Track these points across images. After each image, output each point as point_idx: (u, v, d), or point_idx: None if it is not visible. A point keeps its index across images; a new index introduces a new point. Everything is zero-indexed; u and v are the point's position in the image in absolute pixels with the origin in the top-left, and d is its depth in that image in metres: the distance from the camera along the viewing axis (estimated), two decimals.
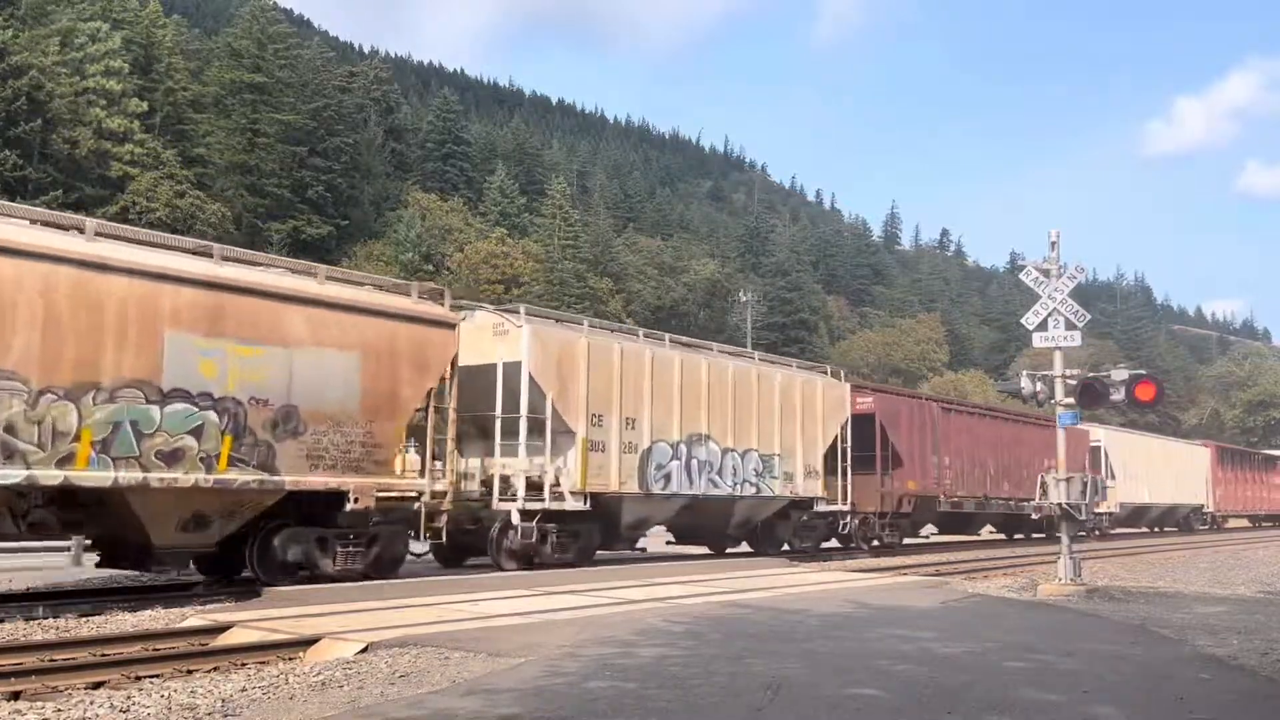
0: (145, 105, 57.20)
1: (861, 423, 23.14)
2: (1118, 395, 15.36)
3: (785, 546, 21.47)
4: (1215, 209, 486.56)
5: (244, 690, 6.72)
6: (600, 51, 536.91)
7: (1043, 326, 15.39)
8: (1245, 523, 52.59)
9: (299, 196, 68.49)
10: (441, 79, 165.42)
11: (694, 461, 18.23)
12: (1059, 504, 15.23)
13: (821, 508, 21.60)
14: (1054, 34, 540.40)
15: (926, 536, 28.23)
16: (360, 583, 12.89)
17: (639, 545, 19.62)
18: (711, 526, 20.19)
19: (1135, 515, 38.93)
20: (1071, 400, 15.33)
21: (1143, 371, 16.27)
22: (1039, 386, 15.62)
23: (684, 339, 21.07)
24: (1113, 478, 34.40)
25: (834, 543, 23.67)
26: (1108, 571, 20.32)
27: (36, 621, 10.08)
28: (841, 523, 22.42)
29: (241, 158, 66.50)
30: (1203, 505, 44.48)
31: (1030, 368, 17.72)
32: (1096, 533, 33.22)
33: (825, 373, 23.17)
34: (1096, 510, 31.57)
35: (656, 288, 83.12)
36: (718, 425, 18.87)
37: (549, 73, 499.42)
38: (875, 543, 23.81)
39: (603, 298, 75.55)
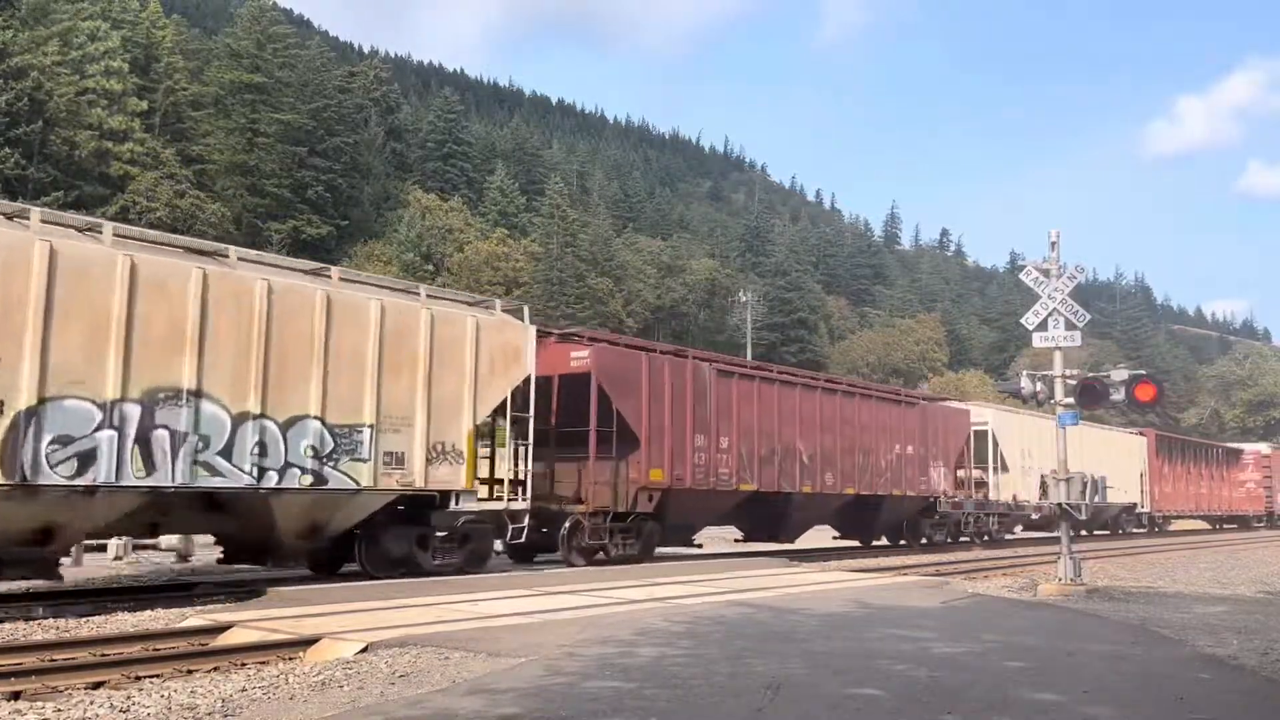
0: (145, 105, 57.24)
1: (578, 387, 17.08)
2: (1118, 395, 15.37)
3: (416, 565, 14.30)
4: (1216, 209, 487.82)
5: (244, 690, 6.72)
6: (600, 51, 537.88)
7: (1043, 326, 15.41)
8: (1203, 525, 47.03)
9: (299, 196, 68.56)
10: (441, 79, 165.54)
11: (159, 433, 11.34)
12: (1058, 504, 15.24)
13: (470, 506, 14.60)
14: (1054, 34, 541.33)
15: (699, 545, 20.79)
16: (360, 583, 12.90)
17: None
18: (249, 534, 13.25)
19: (1047, 515, 31.01)
20: (1071, 400, 15.34)
21: (1143, 372, 16.29)
22: (1039, 386, 15.63)
23: (157, 235, 13.01)
24: (1003, 469, 29.41)
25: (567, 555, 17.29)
26: (1108, 571, 20.34)
27: (36, 621, 10.08)
28: (511, 528, 15.37)
29: (241, 158, 66.56)
30: (1135, 504, 37.95)
31: (1030, 368, 17.73)
32: (985, 537, 28.46)
33: (492, 309, 15.70)
34: (979, 509, 27.61)
35: (656, 288, 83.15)
36: (223, 375, 11.82)
37: (549, 73, 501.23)
38: (600, 555, 17.38)
39: (602, 298, 75.57)
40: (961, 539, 27.75)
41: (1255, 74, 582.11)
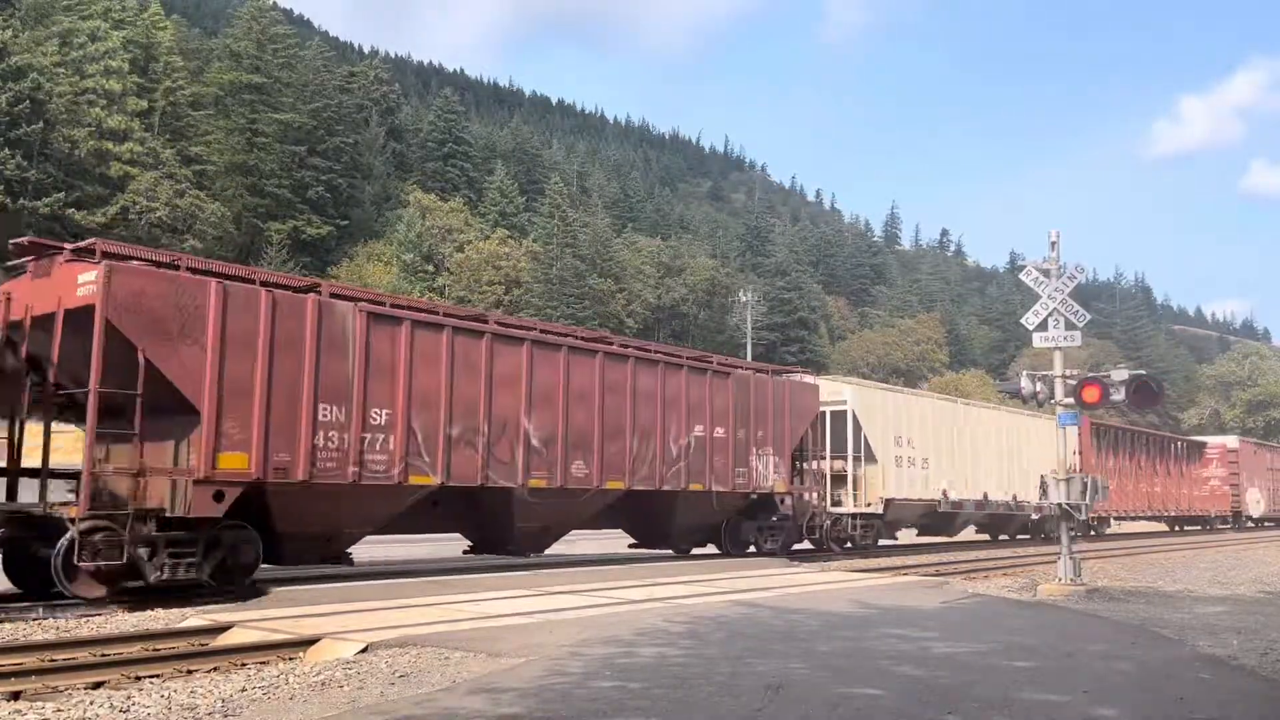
0: (145, 104, 57.23)
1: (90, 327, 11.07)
2: (1118, 395, 15.37)
3: None
4: (1216, 209, 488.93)
5: (244, 690, 6.72)
6: (600, 51, 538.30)
7: (1043, 326, 15.41)
8: (1157, 527, 42.63)
9: (299, 196, 68.55)
10: (442, 79, 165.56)
11: None
12: (1059, 504, 15.23)
13: None
14: (1055, 34, 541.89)
15: (351, 562, 14.24)
16: (360, 582, 12.90)
17: None
18: None
19: (937, 517, 26.93)
20: (1071, 400, 15.34)
21: (1143, 372, 16.29)
22: (1039, 386, 15.63)
23: None
24: (869, 459, 23.73)
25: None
26: (1108, 571, 20.34)
27: (36, 621, 10.08)
28: None
29: (241, 158, 66.56)
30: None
31: (1030, 368, 17.73)
32: (846, 544, 23.14)
33: None
34: (831, 508, 22.58)
35: (656, 288, 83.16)
36: None
37: (549, 73, 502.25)
38: (140, 583, 11.44)
39: (602, 298, 75.55)
40: (825, 546, 22.57)
41: (1257, 74, 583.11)
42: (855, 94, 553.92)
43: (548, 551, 17.38)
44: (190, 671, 7.73)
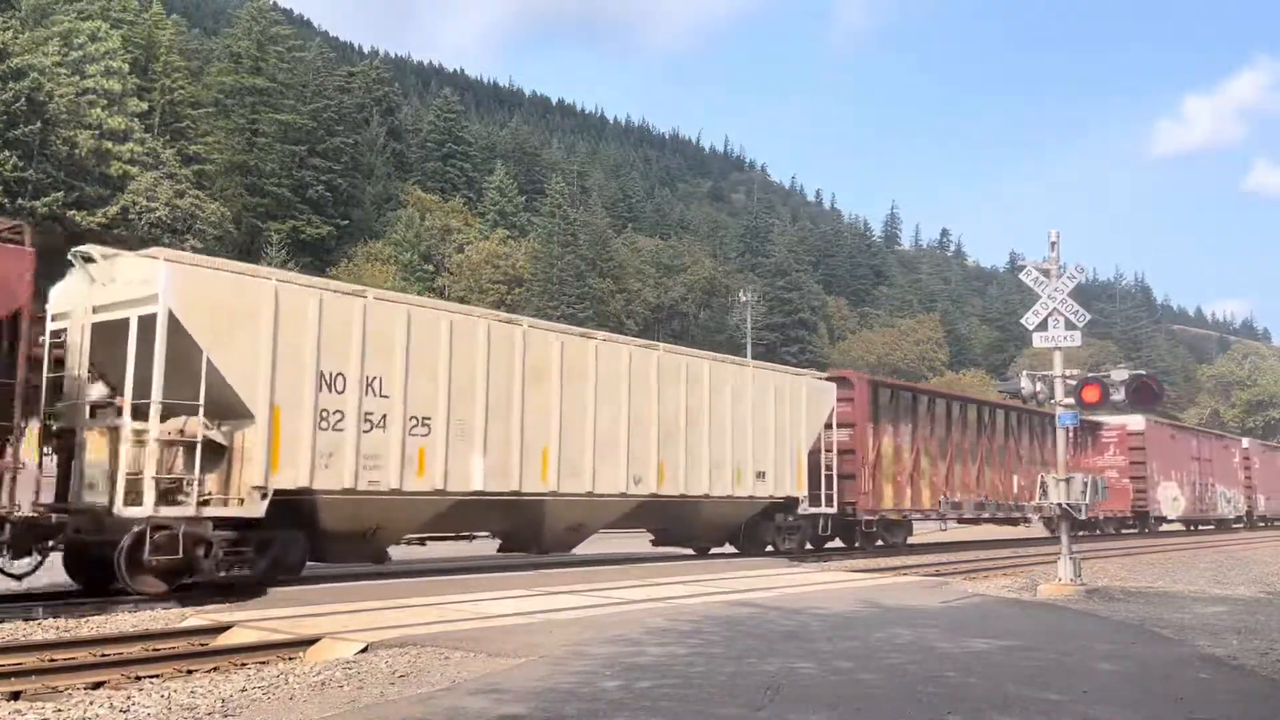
0: (145, 105, 57.21)
1: None
2: (1118, 395, 15.36)
3: None
4: (1217, 209, 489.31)
5: (244, 690, 6.72)
6: (601, 52, 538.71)
7: (1043, 326, 15.39)
8: (1025, 531, 31.01)
9: (299, 196, 68.54)
10: (442, 79, 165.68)
11: None
12: (1059, 504, 15.21)
13: None
14: (1057, 33, 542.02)
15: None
16: (360, 582, 12.90)
17: None
18: None
19: (503, 517, 15.59)
20: (1071, 400, 15.33)
21: (1143, 371, 16.27)
22: (1039, 386, 15.62)
23: None
24: (230, 414, 11.74)
25: None
26: (1108, 572, 20.34)
27: (36, 621, 10.07)
28: None
29: (241, 158, 66.53)
30: (795, 497, 20.71)
31: (1030, 367, 17.72)
32: (185, 577, 11.50)
33: None
34: (126, 508, 10.43)
35: (656, 287, 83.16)
36: None
37: (549, 73, 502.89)
38: None
39: (603, 298, 75.54)
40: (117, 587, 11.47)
41: (1260, 73, 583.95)
42: (856, 93, 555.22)
43: None
44: (190, 671, 7.72)
